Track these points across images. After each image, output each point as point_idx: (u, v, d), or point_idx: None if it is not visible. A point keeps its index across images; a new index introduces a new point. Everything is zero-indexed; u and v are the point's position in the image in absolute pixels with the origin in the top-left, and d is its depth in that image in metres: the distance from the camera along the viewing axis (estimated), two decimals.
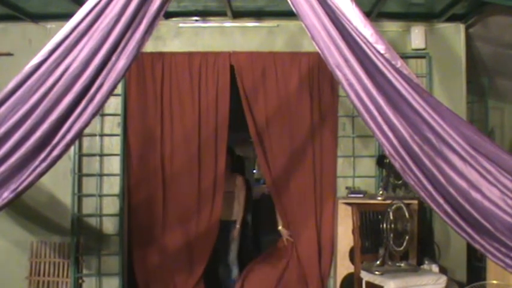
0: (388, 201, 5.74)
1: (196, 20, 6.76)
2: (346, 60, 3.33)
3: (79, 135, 3.55)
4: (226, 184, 6.75)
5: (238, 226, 7.10)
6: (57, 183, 6.49)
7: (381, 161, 6.31)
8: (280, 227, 6.73)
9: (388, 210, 5.56)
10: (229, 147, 6.96)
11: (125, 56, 3.36)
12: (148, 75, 6.58)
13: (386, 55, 3.33)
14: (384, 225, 5.53)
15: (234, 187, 7.14)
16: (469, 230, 3.31)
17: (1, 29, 6.66)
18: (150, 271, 6.61)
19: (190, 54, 6.64)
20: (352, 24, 3.32)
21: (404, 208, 5.65)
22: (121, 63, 3.35)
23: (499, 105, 6.76)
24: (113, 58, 3.35)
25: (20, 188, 3.39)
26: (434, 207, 3.37)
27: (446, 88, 6.62)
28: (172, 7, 6.00)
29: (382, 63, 3.33)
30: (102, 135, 6.68)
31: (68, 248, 6.56)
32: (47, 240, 6.59)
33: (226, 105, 6.58)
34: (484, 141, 3.31)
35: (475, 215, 3.24)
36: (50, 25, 6.49)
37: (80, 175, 6.66)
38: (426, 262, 6.10)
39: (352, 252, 6.07)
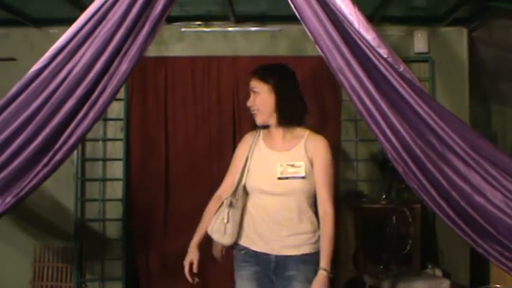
0: (391, 205, 5.74)
1: (199, 25, 6.76)
2: (348, 64, 3.33)
3: (81, 139, 3.55)
4: None
5: None
6: (60, 188, 6.50)
7: (384, 165, 6.29)
8: None
9: (391, 214, 5.56)
10: None
11: (127, 60, 3.35)
12: (151, 80, 6.59)
13: (389, 59, 3.33)
14: (387, 229, 5.53)
15: None
16: (472, 234, 3.30)
17: (3, 34, 6.67)
18: (154, 276, 6.58)
19: (192, 59, 6.65)
20: (354, 28, 3.32)
21: (408, 212, 5.64)
22: (123, 67, 3.35)
23: (502, 109, 6.73)
24: (115, 63, 3.35)
25: (23, 192, 3.38)
26: (438, 211, 3.36)
27: (449, 92, 6.62)
28: (174, 12, 6.00)
29: (384, 67, 3.32)
30: (105, 139, 6.70)
31: (71, 253, 6.58)
32: (50, 245, 6.60)
33: (230, 109, 6.58)
34: (487, 146, 3.30)
35: (478, 219, 3.23)
36: (53, 30, 6.48)
37: (82, 180, 6.67)
38: (429, 266, 6.09)
39: (355, 257, 6.07)
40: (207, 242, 3.83)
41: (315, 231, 3.62)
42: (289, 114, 3.70)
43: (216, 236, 3.70)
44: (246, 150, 3.78)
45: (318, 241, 3.60)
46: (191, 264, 3.70)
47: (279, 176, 3.57)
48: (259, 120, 3.72)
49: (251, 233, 3.66)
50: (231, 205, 3.65)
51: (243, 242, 3.70)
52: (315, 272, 3.46)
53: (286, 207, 3.57)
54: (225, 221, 3.64)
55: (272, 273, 3.63)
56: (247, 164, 3.73)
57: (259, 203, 3.64)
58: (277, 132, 3.73)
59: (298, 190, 3.57)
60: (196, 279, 3.75)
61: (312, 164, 3.61)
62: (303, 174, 3.57)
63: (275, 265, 3.61)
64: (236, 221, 3.67)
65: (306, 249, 3.59)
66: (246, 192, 3.72)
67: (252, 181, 3.68)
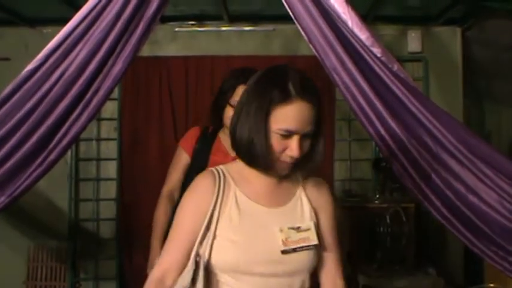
0: (385, 205, 5.74)
1: (193, 24, 6.75)
2: (342, 64, 3.33)
3: (75, 139, 3.55)
4: None
5: None
6: (54, 188, 6.47)
7: (378, 164, 6.30)
8: None
9: (385, 213, 5.56)
10: None
11: (121, 60, 3.35)
12: (144, 80, 6.57)
13: (383, 58, 3.33)
14: (381, 229, 5.52)
15: None
16: (467, 233, 3.30)
17: None
18: (141, 276, 6.54)
19: (186, 59, 6.63)
20: (348, 27, 3.32)
21: (401, 211, 5.64)
22: (117, 67, 3.35)
23: (496, 108, 6.74)
24: (109, 62, 3.34)
25: (17, 192, 3.38)
26: (433, 211, 3.36)
27: (442, 91, 6.63)
28: (168, 11, 5.99)
29: (378, 66, 3.32)
30: (98, 139, 6.68)
31: (65, 253, 6.56)
32: (44, 245, 6.59)
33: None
34: (481, 145, 3.31)
35: (473, 218, 3.23)
36: (47, 30, 6.46)
37: (76, 179, 6.66)
38: (423, 265, 6.09)
39: (349, 256, 6.06)
40: None
41: None
42: None
43: None
44: (208, 205, 2.20)
45: None
46: None
47: (284, 248, 2.17)
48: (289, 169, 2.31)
49: None
50: None
51: None
52: None
53: None
54: None
55: None
56: (211, 227, 2.19)
57: None
58: (268, 176, 2.32)
59: (309, 266, 2.29)
60: None
61: (317, 220, 2.40)
62: (315, 241, 2.27)
63: None
64: None
65: None
66: (206, 272, 2.14)
67: (230, 258, 2.16)
